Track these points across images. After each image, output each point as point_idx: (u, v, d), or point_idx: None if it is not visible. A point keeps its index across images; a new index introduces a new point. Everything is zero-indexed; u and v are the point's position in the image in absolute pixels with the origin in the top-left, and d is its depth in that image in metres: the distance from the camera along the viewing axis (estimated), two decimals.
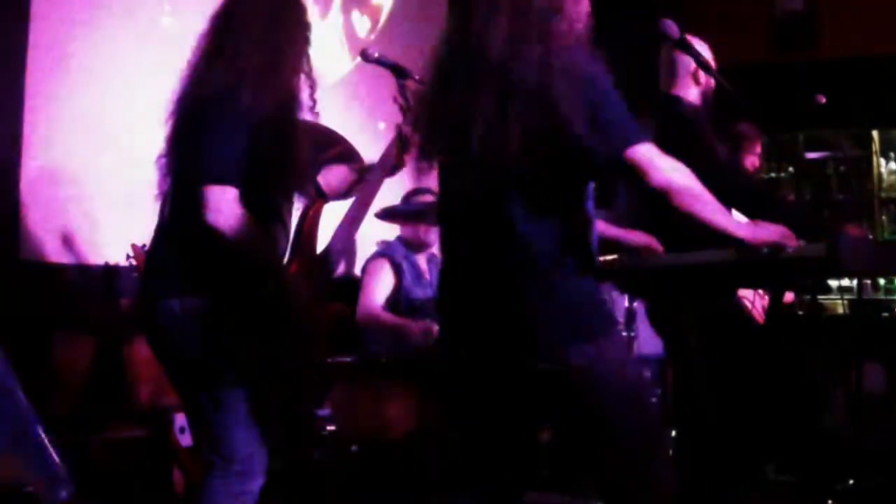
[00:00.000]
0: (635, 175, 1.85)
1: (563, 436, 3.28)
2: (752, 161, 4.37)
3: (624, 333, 3.82)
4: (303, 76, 2.43)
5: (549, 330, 1.86)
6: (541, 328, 1.86)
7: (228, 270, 2.28)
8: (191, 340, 2.28)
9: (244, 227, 2.24)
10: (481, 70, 1.87)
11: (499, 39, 1.86)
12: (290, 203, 2.51)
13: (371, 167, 2.73)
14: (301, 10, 2.48)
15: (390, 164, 2.67)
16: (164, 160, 2.39)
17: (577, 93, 1.81)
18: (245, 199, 2.25)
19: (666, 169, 1.85)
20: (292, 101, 2.41)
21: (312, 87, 2.46)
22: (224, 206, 2.20)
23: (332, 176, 2.73)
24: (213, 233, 2.21)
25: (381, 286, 4.14)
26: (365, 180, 2.71)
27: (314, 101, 2.47)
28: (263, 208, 2.35)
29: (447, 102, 1.95)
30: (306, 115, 2.48)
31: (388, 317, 4.05)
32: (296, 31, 2.44)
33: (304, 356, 2.57)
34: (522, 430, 2.06)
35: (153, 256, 2.44)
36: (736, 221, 2.03)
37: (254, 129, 2.28)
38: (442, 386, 2.36)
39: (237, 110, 2.26)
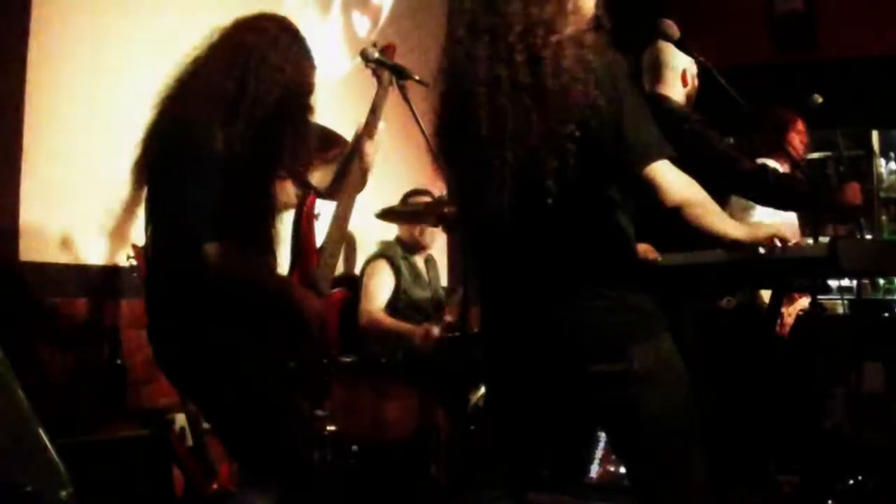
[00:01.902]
0: (651, 192, 1.86)
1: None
2: (801, 139, 4.36)
3: None
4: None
5: (611, 333, 1.88)
6: (602, 331, 1.88)
7: (239, 307, 2.29)
8: (215, 375, 2.28)
9: (247, 269, 2.27)
10: (510, 75, 1.84)
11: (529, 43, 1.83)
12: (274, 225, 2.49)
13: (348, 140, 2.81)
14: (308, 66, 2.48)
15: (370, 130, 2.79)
16: (139, 173, 2.38)
17: (611, 103, 1.80)
18: (238, 240, 2.24)
19: (680, 188, 1.88)
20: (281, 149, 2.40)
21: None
22: (225, 260, 2.20)
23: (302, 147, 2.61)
24: (220, 284, 2.21)
25: (381, 289, 4.16)
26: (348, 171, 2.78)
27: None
28: (255, 242, 2.35)
29: (473, 110, 1.88)
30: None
31: (390, 321, 4.07)
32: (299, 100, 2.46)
33: (313, 359, 2.58)
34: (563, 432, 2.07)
35: (155, 293, 2.41)
36: (734, 224, 2.04)
37: (230, 173, 2.24)
38: (487, 387, 2.38)
39: (212, 154, 2.22)
